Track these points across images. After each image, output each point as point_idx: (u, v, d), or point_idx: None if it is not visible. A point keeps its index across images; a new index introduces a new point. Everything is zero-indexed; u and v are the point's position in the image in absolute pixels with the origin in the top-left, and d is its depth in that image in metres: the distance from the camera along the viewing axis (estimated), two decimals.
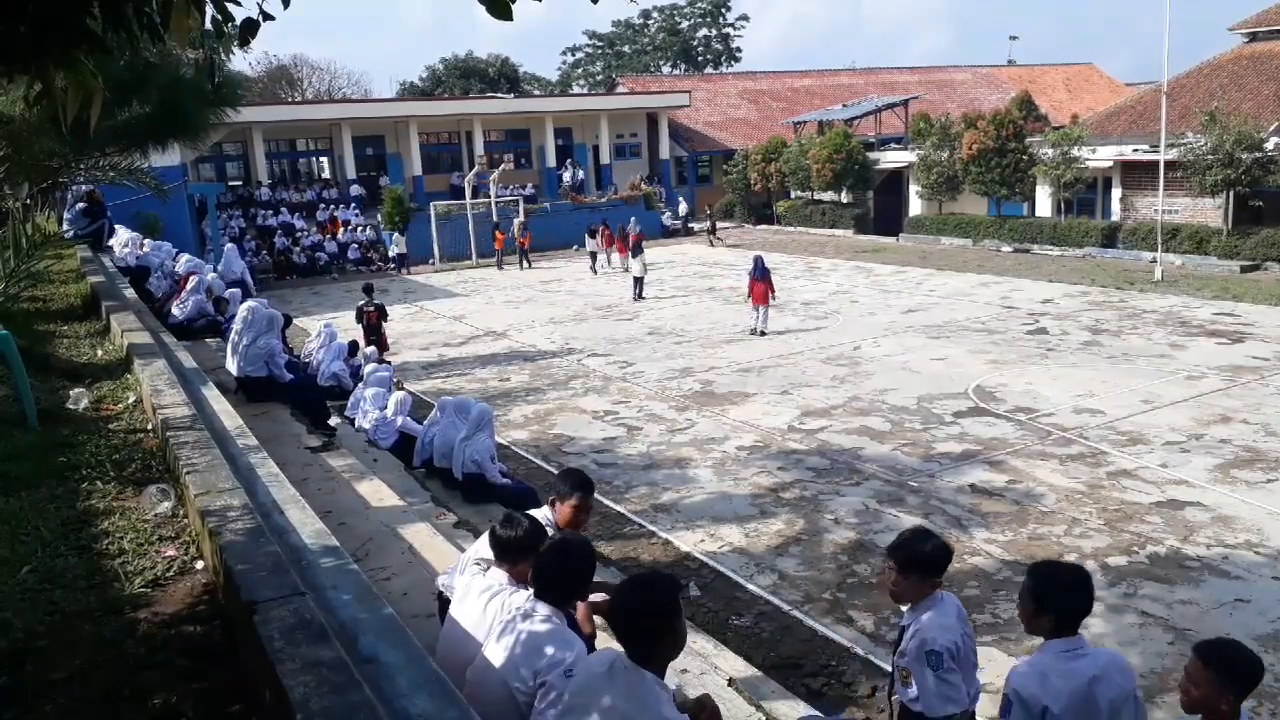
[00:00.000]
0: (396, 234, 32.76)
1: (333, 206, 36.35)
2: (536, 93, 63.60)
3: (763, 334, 18.81)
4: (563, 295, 26.09)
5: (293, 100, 53.77)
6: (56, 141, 9.05)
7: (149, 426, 5.70)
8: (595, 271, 29.66)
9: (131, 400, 6.31)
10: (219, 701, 2.92)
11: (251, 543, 3.52)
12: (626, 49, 72.82)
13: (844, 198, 38.02)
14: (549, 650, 3.38)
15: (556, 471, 7.19)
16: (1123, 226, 28.47)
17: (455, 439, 8.69)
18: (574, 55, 74.42)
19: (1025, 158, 29.94)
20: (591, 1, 3.10)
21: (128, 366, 7.05)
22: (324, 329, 12.77)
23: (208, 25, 2.90)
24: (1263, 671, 3.45)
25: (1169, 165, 25.07)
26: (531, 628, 3.47)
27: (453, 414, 9.03)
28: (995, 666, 6.60)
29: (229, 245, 18.88)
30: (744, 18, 73.79)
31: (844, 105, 44.14)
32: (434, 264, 32.83)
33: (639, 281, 24.53)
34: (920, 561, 4.22)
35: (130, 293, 11.15)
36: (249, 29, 2.93)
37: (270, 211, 35.55)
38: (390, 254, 33.18)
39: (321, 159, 42.14)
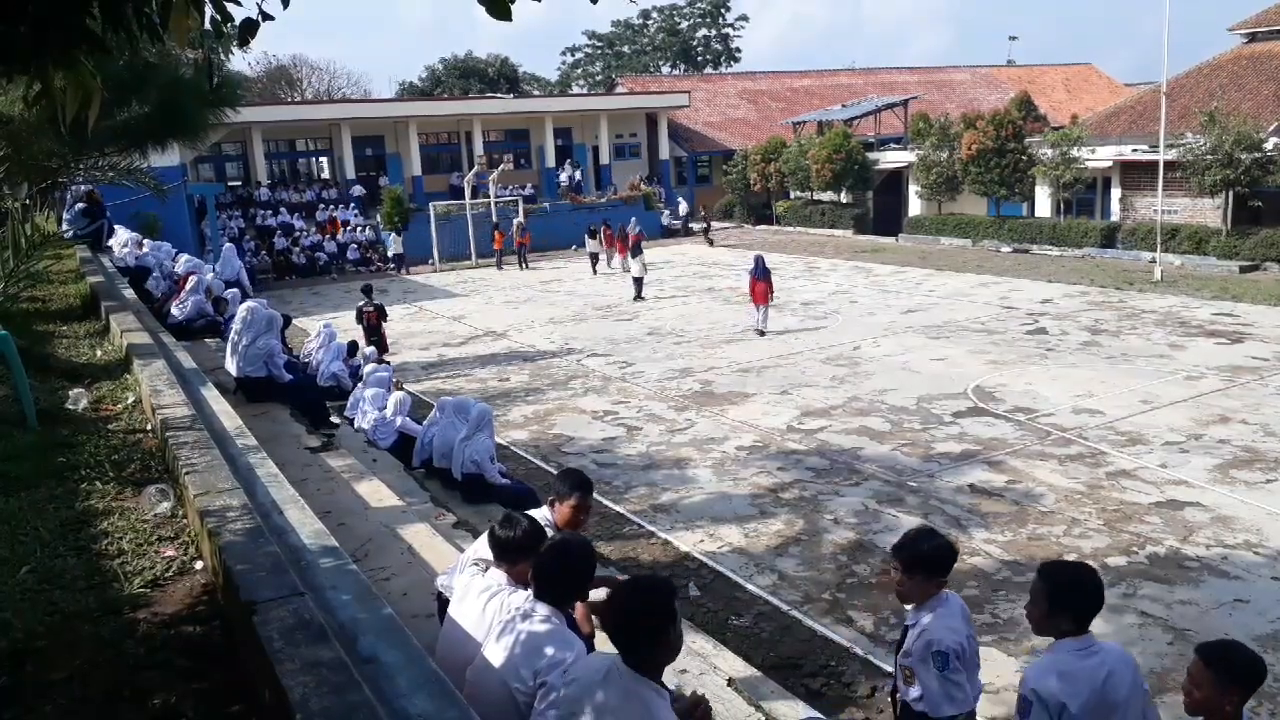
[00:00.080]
0: (394, 234, 32.77)
1: (332, 207, 36.35)
2: (536, 93, 63.59)
3: (762, 334, 18.82)
4: (562, 295, 26.09)
5: (292, 100, 53.78)
6: (56, 141, 9.06)
7: (148, 427, 5.70)
8: (596, 272, 29.67)
9: (131, 400, 6.31)
10: (219, 701, 2.92)
11: (251, 543, 3.52)
12: (626, 49, 72.81)
13: (843, 198, 38.03)
14: (549, 650, 3.37)
15: (556, 472, 7.20)
16: (1122, 227, 28.48)
17: (455, 439, 8.69)
18: (574, 55, 74.49)
19: (1025, 158, 29.95)
20: (591, 2, 3.10)
21: (127, 367, 7.05)
22: (323, 329, 12.77)
23: (207, 25, 2.89)
24: (1265, 672, 3.45)
25: (1168, 165, 25.08)
26: (531, 628, 3.46)
27: (452, 414, 9.03)
28: (995, 666, 6.61)
29: (227, 245, 18.87)
30: (743, 18, 73.85)
31: (843, 105, 44.15)
32: (433, 264, 32.83)
33: (639, 282, 24.53)
34: (925, 561, 4.22)
35: (129, 293, 11.16)
36: (248, 29, 2.93)
37: (270, 212, 35.54)
38: (389, 254, 33.22)
39: (321, 159, 42.13)
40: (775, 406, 14.01)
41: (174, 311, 11.86)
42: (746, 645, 7.14)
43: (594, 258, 30.06)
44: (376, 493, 7.14)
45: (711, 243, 35.74)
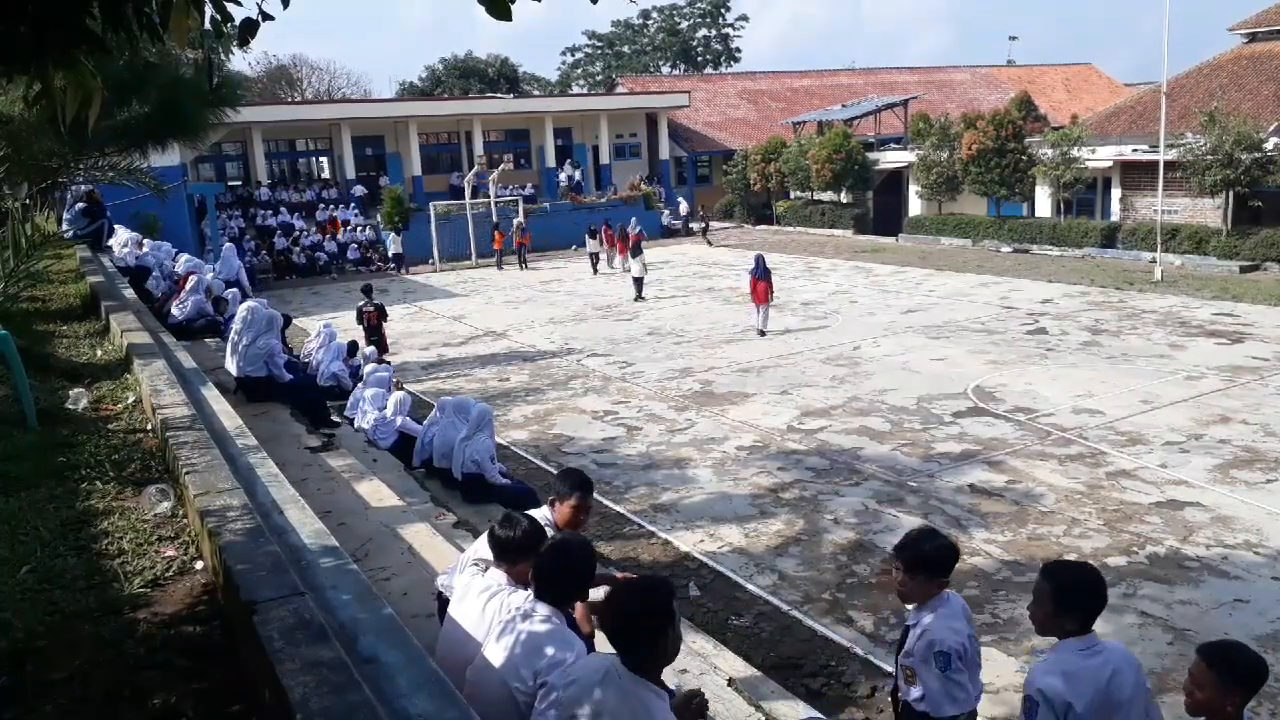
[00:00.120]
0: (393, 234, 32.78)
1: (332, 206, 36.36)
2: (536, 93, 63.59)
3: (763, 333, 18.82)
4: (562, 295, 26.09)
5: (292, 100, 53.77)
6: (56, 141, 9.06)
7: (148, 426, 5.70)
8: (596, 271, 29.67)
9: (131, 400, 6.31)
10: (219, 701, 2.92)
11: (251, 543, 3.52)
12: (626, 49, 72.81)
13: (843, 198, 38.03)
14: (549, 650, 3.37)
15: (556, 471, 7.19)
16: (1122, 227, 28.48)
17: (455, 439, 8.69)
18: (574, 55, 74.49)
19: (1025, 158, 29.95)
20: (591, 2, 3.10)
21: (127, 366, 7.06)
22: (323, 329, 12.77)
23: (207, 25, 2.89)
24: (1267, 673, 3.44)
25: (1168, 165, 25.08)
26: (531, 628, 3.46)
27: (452, 414, 9.03)
28: (995, 666, 6.61)
29: (227, 245, 18.88)
30: (743, 18, 73.85)
31: (843, 105, 44.15)
32: (433, 264, 32.83)
33: (639, 282, 24.53)
34: (927, 561, 4.22)
35: (130, 293, 11.16)
36: (248, 29, 2.93)
37: (270, 211, 35.55)
38: (389, 254, 33.24)
39: (321, 159, 42.14)
40: (775, 406, 14.01)
41: (174, 311, 11.86)
42: (746, 645, 7.14)
43: (594, 258, 30.06)
44: (377, 493, 7.14)
45: (710, 243, 35.76)
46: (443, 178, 40.31)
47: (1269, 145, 24.52)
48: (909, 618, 4.40)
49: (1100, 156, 28.83)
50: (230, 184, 38.39)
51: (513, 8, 2.70)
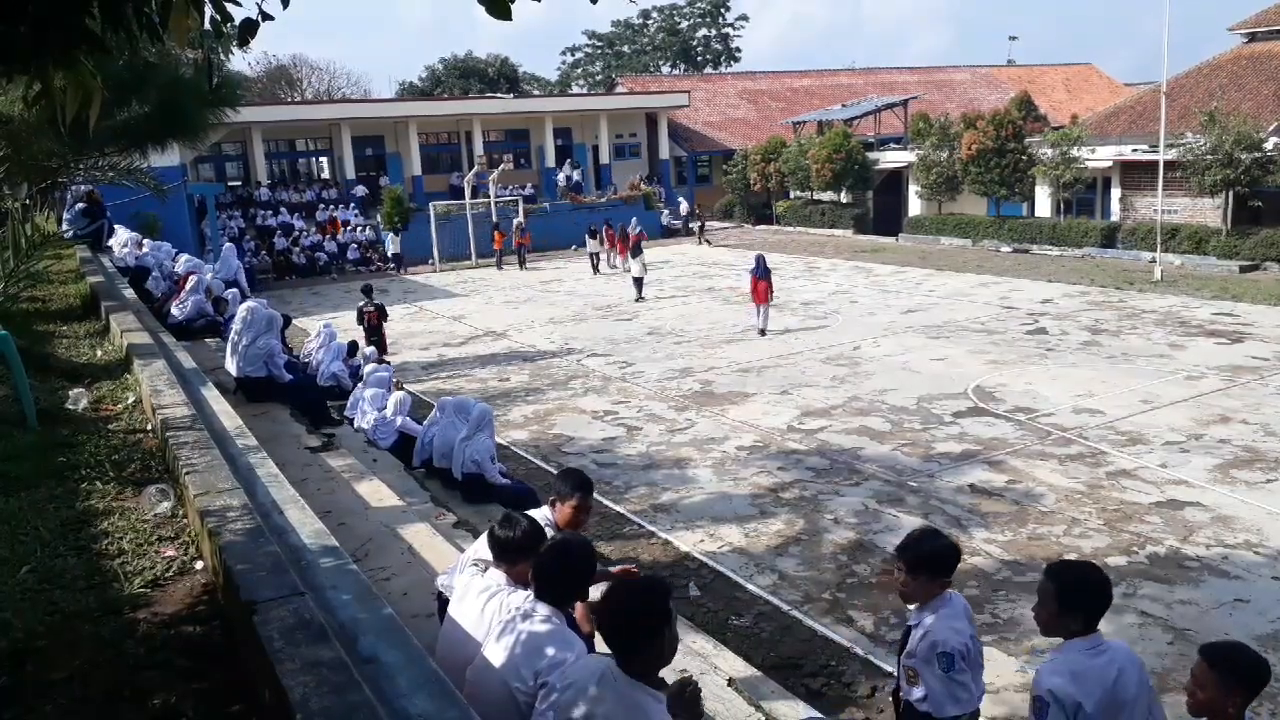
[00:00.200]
0: (391, 234, 32.78)
1: (332, 207, 36.36)
2: (536, 93, 63.59)
3: (763, 333, 18.82)
4: (562, 295, 26.09)
5: (292, 100, 53.78)
6: (56, 141, 9.06)
7: (148, 427, 5.70)
8: (597, 271, 29.66)
9: (131, 400, 6.31)
10: (219, 701, 2.92)
11: (251, 543, 3.52)
12: (626, 49, 72.82)
13: (843, 198, 38.02)
14: (550, 650, 3.37)
15: (556, 471, 7.20)
16: (1122, 227, 28.47)
17: (455, 439, 8.69)
18: (573, 55, 74.50)
19: (1025, 158, 29.95)
20: (591, 1, 3.10)
21: (127, 367, 7.05)
22: (323, 329, 12.77)
23: (207, 25, 2.89)
24: (1269, 674, 3.43)
25: (1168, 165, 25.08)
26: (532, 628, 3.46)
27: (452, 414, 9.03)
28: (995, 666, 6.60)
29: (227, 245, 18.87)
30: (743, 18, 73.88)
31: (843, 105, 44.15)
32: (433, 264, 32.83)
33: (639, 282, 24.53)
34: (929, 562, 4.22)
35: (130, 293, 11.15)
36: (248, 29, 2.93)
37: (270, 212, 35.55)
38: (388, 253, 33.26)
39: (321, 159, 42.14)
40: (775, 406, 14.01)
41: (174, 311, 11.85)
42: (747, 645, 7.14)
43: (594, 258, 30.06)
44: (377, 493, 7.14)
45: (709, 243, 35.77)
46: (443, 178, 40.31)
47: (1269, 145, 24.52)
48: (911, 618, 4.39)
49: (1100, 156, 28.84)
50: (230, 184, 38.39)
51: (513, 7, 2.70)
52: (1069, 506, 9.82)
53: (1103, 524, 9.35)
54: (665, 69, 70.48)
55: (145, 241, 15.37)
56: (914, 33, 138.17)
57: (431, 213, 32.81)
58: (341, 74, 69.33)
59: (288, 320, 12.45)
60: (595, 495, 4.94)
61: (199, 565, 3.87)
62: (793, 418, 13.38)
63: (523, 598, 3.66)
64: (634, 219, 31.01)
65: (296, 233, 34.21)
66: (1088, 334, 17.81)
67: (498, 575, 3.95)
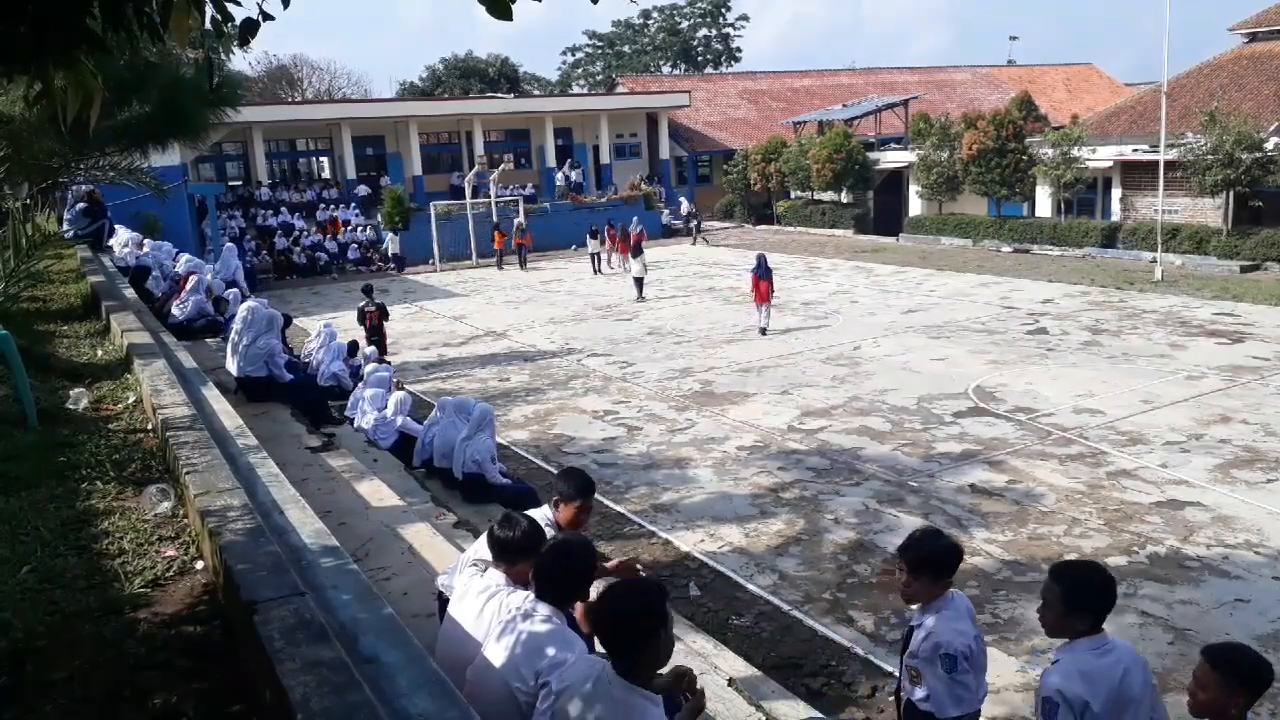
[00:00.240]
0: (390, 234, 32.75)
1: (333, 206, 36.36)
2: (536, 93, 63.60)
3: (764, 332, 18.83)
4: (563, 295, 26.09)
5: (293, 100, 53.77)
6: (56, 141, 9.06)
7: (149, 426, 5.70)
8: (598, 271, 29.66)
9: (131, 400, 6.31)
10: (219, 701, 2.92)
11: (251, 543, 3.52)
12: (626, 49, 72.81)
13: (844, 198, 38.02)
14: (550, 650, 3.37)
15: (556, 471, 7.20)
16: (1123, 227, 28.47)
17: (455, 439, 8.69)
18: (574, 55, 74.49)
19: (1025, 158, 29.94)
20: (591, 1, 3.10)
21: (128, 366, 7.05)
22: (324, 329, 12.77)
23: (207, 25, 2.89)
24: (1272, 676, 3.42)
25: (1169, 165, 25.07)
26: (532, 628, 3.46)
27: (453, 414, 9.03)
28: (995, 666, 6.58)
29: (228, 245, 18.87)
30: (744, 18, 73.86)
31: (844, 105, 44.14)
32: (434, 264, 32.83)
33: (639, 282, 24.53)
34: (931, 562, 4.22)
35: (130, 293, 11.15)
36: (249, 29, 2.93)
37: (270, 211, 35.56)
38: (388, 253, 33.25)
39: (321, 159, 42.14)
40: (776, 406, 14.01)
41: (174, 311, 11.86)
42: (747, 645, 7.14)
43: (595, 258, 30.05)
44: (377, 492, 7.14)
45: (707, 242, 35.77)
46: (443, 177, 40.31)
47: (1269, 145, 24.51)
48: (913, 618, 4.39)
49: (1100, 156, 28.83)
50: (231, 184, 38.38)
51: (513, 7, 2.70)
52: (1069, 506, 9.82)
53: (1103, 524, 9.35)
54: (666, 69, 70.48)
55: (146, 241, 15.36)
56: (914, 33, 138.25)
57: (432, 213, 32.81)
58: (342, 74, 69.51)
59: (288, 320, 12.45)
60: (595, 495, 4.94)
61: (199, 565, 3.87)
62: (793, 418, 13.38)
63: (522, 598, 3.66)
64: (635, 218, 30.98)
65: (297, 232, 34.22)
66: (1088, 334, 17.81)
67: (497, 575, 3.95)
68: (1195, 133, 25.72)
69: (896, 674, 4.63)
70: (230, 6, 2.85)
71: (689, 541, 9.40)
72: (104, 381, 6.86)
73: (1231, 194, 25.46)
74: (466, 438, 8.57)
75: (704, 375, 16.11)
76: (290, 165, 41.89)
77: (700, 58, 71.72)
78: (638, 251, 25.08)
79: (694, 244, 35.75)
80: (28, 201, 11.57)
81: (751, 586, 8.37)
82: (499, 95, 47.02)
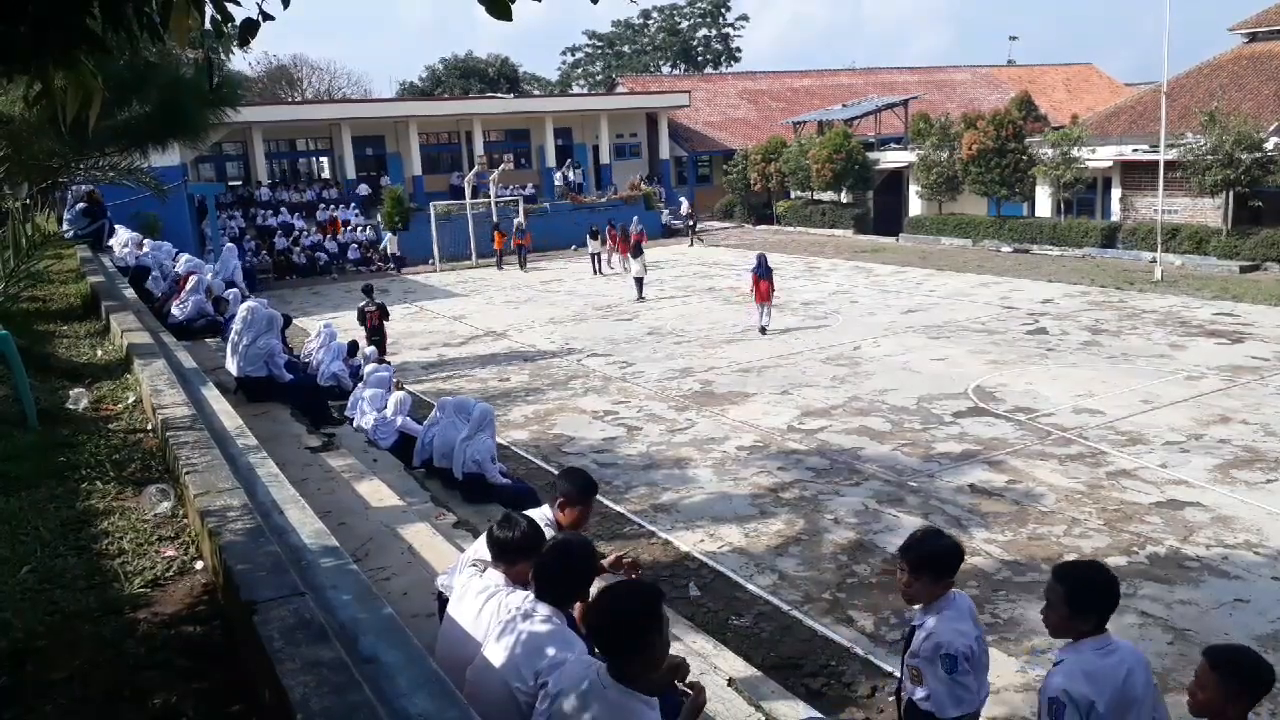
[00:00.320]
0: (389, 234, 32.74)
1: (333, 206, 36.36)
2: (536, 93, 63.60)
3: (764, 331, 18.83)
4: (563, 295, 26.09)
5: (293, 100, 53.76)
6: (56, 141, 9.06)
7: (149, 426, 5.70)
8: (598, 272, 29.65)
9: (131, 400, 6.31)
10: (219, 701, 2.92)
11: (251, 543, 3.52)
12: (626, 49, 72.80)
13: (844, 198, 38.02)
14: (550, 650, 3.37)
15: (556, 471, 7.20)
16: (1122, 227, 28.47)
17: (455, 439, 8.69)
18: (574, 55, 74.49)
19: (1025, 158, 29.94)
20: (591, 1, 3.10)
21: (127, 366, 7.05)
22: (323, 329, 12.76)
23: (207, 25, 2.89)
24: (1273, 678, 3.41)
25: (1169, 165, 25.07)
26: (532, 628, 3.46)
27: (453, 414, 9.03)
28: (995, 666, 6.55)
29: (227, 245, 18.87)
30: (744, 18, 73.85)
31: (844, 105, 44.14)
32: (434, 264, 32.83)
33: (639, 282, 24.53)
34: (933, 562, 4.22)
35: (130, 293, 11.15)
36: (249, 29, 2.93)
37: (270, 211, 35.56)
38: (387, 253, 33.25)
39: (321, 159, 42.15)
40: (775, 406, 14.01)
41: (174, 311, 11.85)
42: (747, 645, 7.14)
43: (595, 258, 30.04)
44: (377, 492, 7.14)
45: (702, 241, 35.77)
46: (443, 178, 40.31)
47: (1269, 145, 24.51)
48: (914, 618, 4.39)
49: (1100, 156, 28.83)
50: (230, 184, 38.39)
51: (513, 8, 2.70)
52: (1069, 506, 9.82)
53: (1103, 524, 9.35)
54: (665, 69, 70.48)
55: (145, 241, 15.36)
56: (914, 33, 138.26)
57: (432, 213, 32.80)
58: (342, 74, 69.45)
59: (288, 320, 12.45)
60: (595, 495, 4.94)
61: (199, 565, 3.86)
62: (793, 418, 13.38)
63: (522, 598, 3.66)
64: (635, 218, 30.96)
65: (297, 232, 34.22)
66: (1088, 334, 17.81)
67: (496, 575, 3.95)
68: (1195, 133, 25.72)
69: (897, 674, 4.63)
70: (230, 6, 2.85)
71: (689, 541, 9.40)
72: (104, 381, 6.86)
73: (1231, 194, 25.46)
74: (466, 438, 8.57)
75: (704, 375, 16.11)
76: (290, 165, 41.90)
77: (700, 58, 71.72)
78: (638, 252, 25.07)
79: (690, 245, 35.76)
80: (28, 201, 11.57)
81: (751, 586, 8.37)
82: (499, 95, 47.02)
